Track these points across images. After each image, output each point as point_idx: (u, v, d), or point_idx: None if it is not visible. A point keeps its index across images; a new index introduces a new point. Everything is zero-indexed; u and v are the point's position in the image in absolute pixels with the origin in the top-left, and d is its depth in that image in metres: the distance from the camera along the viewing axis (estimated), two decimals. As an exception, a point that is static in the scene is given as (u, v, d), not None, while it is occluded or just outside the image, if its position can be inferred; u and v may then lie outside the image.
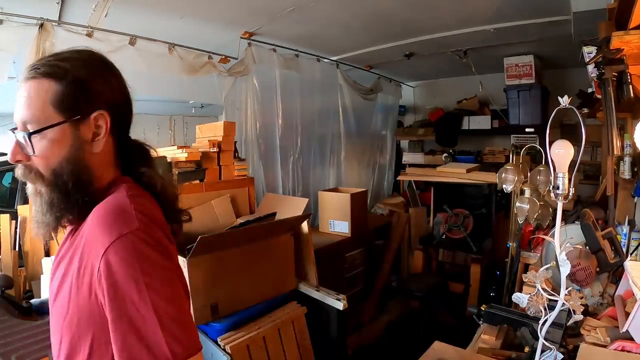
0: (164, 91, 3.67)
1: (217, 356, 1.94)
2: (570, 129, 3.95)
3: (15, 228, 2.55)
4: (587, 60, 2.22)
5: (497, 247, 3.97)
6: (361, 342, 3.35)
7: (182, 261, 1.96)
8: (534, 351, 1.33)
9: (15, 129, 0.83)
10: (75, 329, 0.79)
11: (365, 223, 3.98)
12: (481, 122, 5.15)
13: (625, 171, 2.41)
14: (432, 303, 3.83)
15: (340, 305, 2.22)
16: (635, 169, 2.41)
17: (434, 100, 5.95)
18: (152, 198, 0.92)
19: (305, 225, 2.46)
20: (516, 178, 2.39)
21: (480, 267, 3.68)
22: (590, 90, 2.95)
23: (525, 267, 2.77)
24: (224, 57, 3.35)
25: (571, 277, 1.71)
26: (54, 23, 2.37)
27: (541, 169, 2.21)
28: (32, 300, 1.58)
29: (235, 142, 2.86)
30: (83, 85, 0.85)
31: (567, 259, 1.18)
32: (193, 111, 7.12)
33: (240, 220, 2.40)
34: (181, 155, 2.43)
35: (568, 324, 1.37)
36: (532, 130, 4.52)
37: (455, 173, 4.10)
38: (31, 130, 0.80)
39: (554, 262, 1.24)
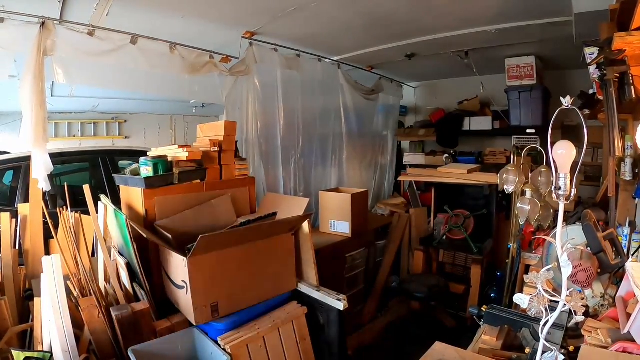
0: (165, 90, 3.68)
1: (217, 356, 1.94)
2: (572, 130, 3.96)
3: (16, 226, 2.55)
4: (588, 61, 2.22)
5: (497, 248, 3.97)
6: (361, 342, 3.34)
7: (183, 260, 1.96)
8: (534, 352, 1.33)
9: None
10: None
11: (365, 223, 3.98)
12: (482, 123, 5.15)
13: (627, 172, 2.41)
14: (432, 304, 3.83)
15: (340, 305, 2.22)
16: (637, 170, 2.41)
17: (435, 101, 5.95)
18: None
19: (305, 225, 2.45)
20: (517, 179, 2.39)
21: (481, 268, 3.68)
22: (591, 91, 2.96)
23: (526, 268, 2.77)
24: (225, 56, 3.35)
25: (572, 278, 1.71)
26: (55, 22, 2.37)
27: (542, 169, 2.21)
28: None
29: (236, 141, 2.85)
30: None
31: (569, 260, 1.18)
32: (194, 111, 7.12)
33: (240, 220, 2.40)
34: (182, 154, 2.42)
35: (569, 325, 1.37)
36: (533, 131, 4.54)
37: (456, 174, 4.10)
38: None
39: (555, 263, 1.24)
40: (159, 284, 2.32)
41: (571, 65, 4.30)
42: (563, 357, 1.29)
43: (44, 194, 2.61)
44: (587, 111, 3.14)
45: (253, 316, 2.21)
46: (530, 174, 2.35)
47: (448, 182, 4.16)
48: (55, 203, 3.44)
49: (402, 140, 6.09)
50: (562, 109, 1.25)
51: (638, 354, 1.28)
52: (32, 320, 2.01)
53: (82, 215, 2.45)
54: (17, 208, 2.70)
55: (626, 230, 2.33)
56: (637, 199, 2.44)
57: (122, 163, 4.29)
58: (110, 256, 2.29)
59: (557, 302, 1.20)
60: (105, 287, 2.22)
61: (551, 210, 2.29)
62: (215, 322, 2.06)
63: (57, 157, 3.81)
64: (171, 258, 2.11)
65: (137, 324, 1.97)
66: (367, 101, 5.01)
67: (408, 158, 5.55)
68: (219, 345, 1.98)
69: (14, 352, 1.73)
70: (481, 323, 1.75)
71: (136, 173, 2.40)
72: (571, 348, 1.39)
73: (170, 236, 2.12)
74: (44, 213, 2.50)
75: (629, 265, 1.48)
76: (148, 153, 2.54)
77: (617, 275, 1.85)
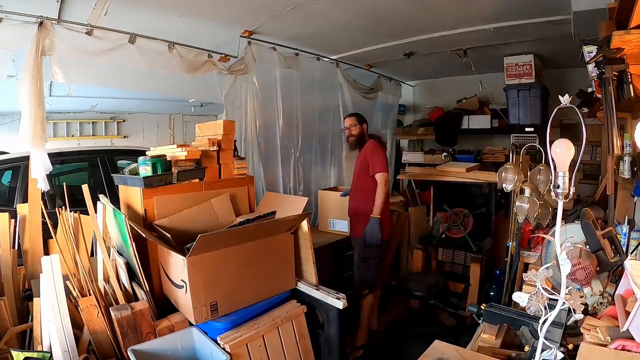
0: (164, 90, 3.67)
1: (216, 355, 1.94)
2: (570, 129, 3.96)
3: (15, 226, 2.55)
4: (587, 59, 2.22)
5: (496, 247, 3.97)
6: (361, 342, 3.35)
7: (182, 260, 1.96)
8: (534, 350, 1.33)
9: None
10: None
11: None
12: (481, 122, 5.15)
13: (625, 171, 2.42)
14: (431, 302, 3.83)
15: (340, 304, 2.22)
16: (635, 169, 2.41)
17: (434, 100, 5.95)
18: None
19: (305, 224, 2.46)
20: (516, 177, 2.39)
21: (480, 267, 3.68)
22: (590, 89, 2.96)
23: (525, 267, 2.77)
24: (224, 55, 3.35)
25: (571, 276, 1.71)
26: (53, 21, 2.36)
27: (541, 168, 2.21)
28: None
29: (235, 140, 2.85)
30: None
31: (568, 258, 1.18)
32: (193, 110, 7.13)
33: (240, 219, 2.40)
34: (181, 153, 2.42)
35: (568, 323, 1.37)
36: (531, 129, 4.54)
37: (455, 172, 4.10)
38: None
39: (554, 261, 1.24)
40: (158, 283, 2.32)
41: (570, 64, 4.31)
42: (562, 355, 1.30)
43: (43, 193, 2.60)
44: (585, 110, 3.15)
45: (252, 315, 2.21)
46: (529, 173, 2.35)
47: (447, 181, 4.16)
48: (54, 203, 3.43)
49: (401, 139, 6.10)
50: (560, 108, 1.25)
51: (637, 352, 1.28)
52: (32, 321, 2.01)
53: (81, 215, 2.44)
54: (16, 208, 2.70)
55: (625, 228, 2.34)
56: (635, 197, 2.45)
57: (120, 163, 4.28)
58: (109, 256, 2.29)
59: (556, 300, 1.21)
60: (104, 287, 2.22)
61: (550, 209, 2.29)
62: (214, 321, 2.06)
63: (56, 157, 3.81)
64: (170, 257, 2.11)
65: (136, 324, 1.98)
66: (365, 100, 5.01)
67: (407, 157, 5.55)
68: (219, 345, 1.99)
69: (14, 353, 1.72)
70: (480, 321, 1.76)
71: (135, 172, 2.39)
72: (570, 346, 1.39)
73: (169, 235, 2.12)
74: (43, 213, 2.50)
75: (628, 263, 1.48)
76: (147, 152, 2.54)
77: (615, 273, 1.85)
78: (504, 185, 2.45)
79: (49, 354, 1.78)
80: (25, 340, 2.08)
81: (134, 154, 3.51)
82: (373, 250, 3.19)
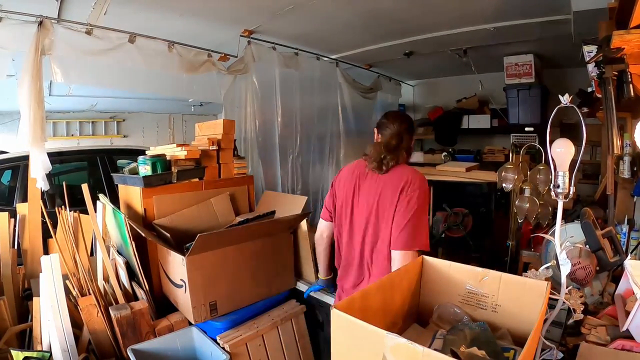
0: (164, 89, 3.67)
1: (216, 355, 1.94)
2: (570, 128, 3.95)
3: (14, 226, 2.54)
4: (587, 59, 2.21)
5: (496, 246, 3.97)
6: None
7: (181, 259, 1.96)
8: (533, 350, 1.33)
9: None
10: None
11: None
12: (481, 121, 5.15)
13: (625, 170, 2.41)
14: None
15: (339, 303, 2.21)
16: (635, 168, 2.41)
17: (434, 99, 5.95)
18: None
19: (304, 224, 2.45)
20: (516, 177, 2.39)
21: (480, 266, 3.68)
22: (590, 89, 2.95)
23: (525, 266, 2.77)
24: (223, 55, 3.34)
25: (571, 276, 1.71)
26: (53, 21, 2.36)
27: (541, 167, 2.21)
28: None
29: (235, 140, 2.85)
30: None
31: (567, 257, 1.18)
32: (192, 109, 7.12)
33: (239, 219, 2.40)
34: (180, 153, 2.42)
35: (568, 322, 1.37)
36: (531, 129, 4.53)
37: (455, 172, 4.10)
38: None
39: (554, 261, 1.24)
40: (158, 283, 2.32)
41: (570, 64, 4.30)
42: (562, 355, 1.30)
43: (43, 193, 2.60)
44: (585, 109, 3.14)
45: (252, 315, 2.21)
46: (528, 172, 2.35)
47: (446, 180, 4.15)
48: (53, 202, 3.43)
49: (401, 139, 6.08)
50: (560, 107, 1.25)
51: (637, 352, 1.28)
52: (31, 320, 2.01)
53: (81, 215, 2.44)
54: (15, 208, 2.69)
55: (625, 228, 2.34)
56: (635, 197, 2.45)
57: (120, 162, 4.29)
58: (109, 255, 2.29)
59: (556, 300, 1.21)
60: (104, 286, 2.22)
61: (550, 208, 2.29)
62: (214, 320, 2.07)
63: (56, 157, 3.80)
64: (170, 257, 2.11)
65: (136, 323, 1.98)
66: (365, 99, 5.01)
67: (407, 156, 5.54)
68: (218, 344, 1.99)
69: (13, 352, 1.72)
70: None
71: (135, 172, 2.39)
72: (570, 346, 1.39)
73: (168, 235, 2.12)
74: (42, 212, 2.49)
75: (628, 263, 1.48)
76: (146, 152, 2.54)
77: (615, 273, 1.85)
78: (503, 184, 2.45)
79: (49, 354, 1.78)
80: (25, 340, 2.08)
81: (133, 154, 3.51)
82: None
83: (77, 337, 1.96)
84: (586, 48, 2.21)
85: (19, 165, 3.67)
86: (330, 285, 2.24)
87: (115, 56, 2.67)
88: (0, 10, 2.20)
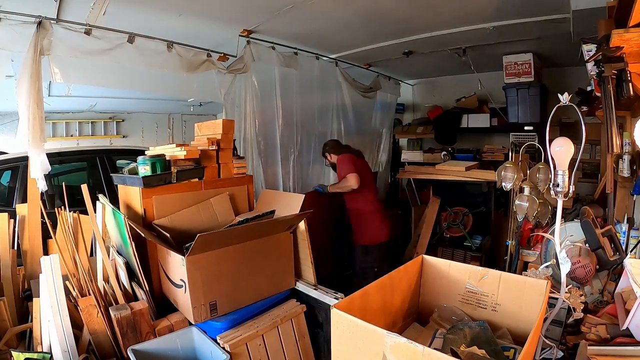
0: (163, 89, 3.66)
1: (216, 355, 1.94)
2: (570, 127, 3.96)
3: (14, 227, 2.54)
4: (586, 58, 2.22)
5: (496, 245, 3.98)
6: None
7: (181, 259, 1.96)
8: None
9: None
10: None
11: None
12: (480, 120, 5.15)
13: (624, 169, 2.42)
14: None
15: (339, 303, 2.22)
16: (634, 167, 2.41)
17: (433, 99, 5.95)
18: None
19: (302, 224, 2.45)
20: (515, 176, 2.39)
21: (480, 265, 3.68)
22: (589, 88, 2.96)
23: (525, 265, 2.77)
24: (222, 54, 3.34)
25: (571, 274, 1.71)
26: (52, 21, 2.36)
27: (540, 166, 2.21)
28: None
29: (234, 140, 2.85)
30: None
31: (567, 256, 1.19)
32: (192, 109, 7.12)
33: (239, 218, 2.40)
34: (180, 153, 2.42)
35: (568, 321, 1.37)
36: (531, 128, 4.54)
37: (455, 171, 4.10)
38: None
39: (554, 260, 1.24)
40: (158, 283, 2.32)
41: (569, 63, 4.30)
42: (562, 354, 1.30)
43: (42, 194, 2.60)
44: (585, 108, 3.14)
45: (252, 314, 2.21)
46: (528, 171, 2.35)
47: (446, 180, 4.16)
48: (53, 203, 3.42)
49: (400, 138, 6.09)
50: (560, 106, 1.25)
51: (637, 350, 1.28)
52: (31, 321, 2.01)
53: (81, 215, 2.44)
54: (15, 208, 2.69)
55: (624, 226, 2.34)
56: (634, 195, 2.45)
57: (120, 162, 4.28)
58: (108, 256, 2.29)
59: (556, 298, 1.21)
60: (104, 286, 2.22)
61: (549, 207, 2.29)
62: (214, 320, 2.06)
63: (55, 157, 3.80)
64: (169, 257, 2.11)
65: (136, 324, 1.97)
66: (364, 99, 5.01)
67: (406, 155, 5.55)
68: (218, 344, 1.98)
69: (14, 353, 1.72)
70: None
71: (134, 172, 2.39)
72: (570, 344, 1.39)
73: (168, 235, 2.12)
74: (42, 213, 2.49)
75: (628, 261, 1.48)
76: (146, 152, 2.53)
77: (615, 271, 1.86)
78: (503, 183, 2.45)
79: (49, 355, 1.78)
80: (25, 341, 2.08)
81: (133, 154, 3.51)
82: (372, 259, 3.22)
83: (77, 337, 1.96)
84: (585, 47, 2.21)
85: (19, 166, 3.67)
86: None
87: (114, 56, 2.67)
88: (-1, 11, 2.20)
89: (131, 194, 2.38)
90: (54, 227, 2.28)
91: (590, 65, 2.29)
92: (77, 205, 2.45)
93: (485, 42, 3.85)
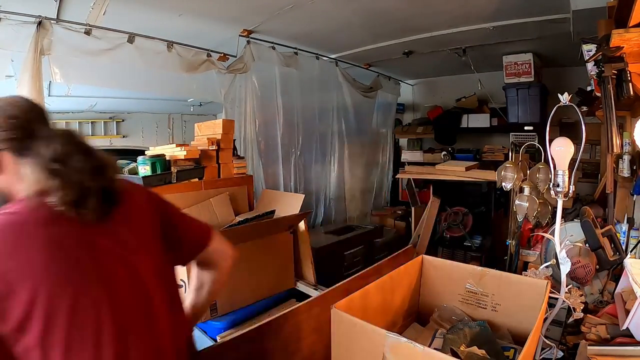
0: (163, 89, 3.67)
1: (216, 354, 1.94)
2: (570, 127, 3.96)
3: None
4: (586, 58, 2.21)
5: (496, 245, 3.97)
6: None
7: (182, 259, 1.96)
8: (533, 349, 1.33)
9: None
10: None
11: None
12: (480, 120, 5.14)
13: (624, 169, 2.41)
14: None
15: (339, 303, 2.21)
16: (634, 167, 2.41)
17: (433, 99, 5.94)
18: None
19: (302, 224, 2.45)
20: (515, 176, 2.39)
21: (480, 265, 3.68)
22: (589, 88, 2.95)
23: (525, 265, 2.77)
24: (222, 54, 3.34)
25: (571, 274, 1.71)
26: (52, 21, 2.36)
27: (541, 166, 2.20)
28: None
29: (234, 140, 2.85)
30: None
31: (567, 256, 1.19)
32: (192, 109, 7.11)
33: (239, 219, 2.40)
34: (180, 153, 2.42)
35: (568, 321, 1.37)
36: (531, 128, 4.53)
37: (455, 171, 4.09)
38: None
39: (554, 260, 1.24)
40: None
41: (569, 63, 4.30)
42: (562, 354, 1.30)
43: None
44: (584, 108, 3.14)
45: (252, 314, 2.21)
46: (528, 171, 2.35)
47: (446, 180, 4.15)
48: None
49: (400, 138, 6.09)
50: (560, 106, 1.25)
51: (637, 350, 1.28)
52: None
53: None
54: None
55: (624, 226, 2.34)
56: (634, 195, 2.45)
57: (120, 162, 4.27)
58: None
59: (556, 298, 1.21)
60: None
61: (549, 207, 2.29)
62: (214, 320, 2.06)
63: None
64: (170, 257, 2.11)
65: (136, 324, 1.97)
66: (365, 99, 5.01)
67: (406, 155, 5.54)
68: (219, 344, 1.98)
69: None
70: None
71: (134, 172, 2.39)
72: (570, 344, 1.39)
73: (168, 235, 2.11)
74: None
75: (628, 261, 1.48)
76: (146, 152, 2.53)
77: (615, 271, 1.85)
78: (503, 183, 2.45)
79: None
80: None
81: (133, 154, 3.51)
82: None
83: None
84: (585, 47, 2.21)
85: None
86: None
87: (114, 56, 2.67)
88: (-1, 11, 2.20)
89: (131, 194, 2.38)
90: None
91: (590, 65, 2.29)
92: (77, 205, 2.45)
93: (485, 42, 3.85)
